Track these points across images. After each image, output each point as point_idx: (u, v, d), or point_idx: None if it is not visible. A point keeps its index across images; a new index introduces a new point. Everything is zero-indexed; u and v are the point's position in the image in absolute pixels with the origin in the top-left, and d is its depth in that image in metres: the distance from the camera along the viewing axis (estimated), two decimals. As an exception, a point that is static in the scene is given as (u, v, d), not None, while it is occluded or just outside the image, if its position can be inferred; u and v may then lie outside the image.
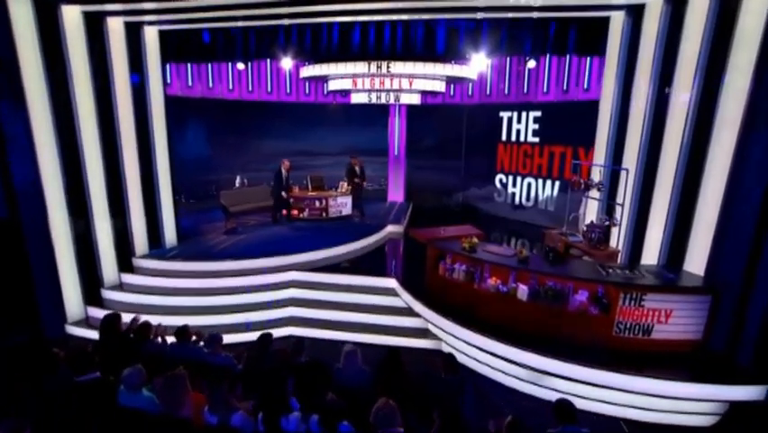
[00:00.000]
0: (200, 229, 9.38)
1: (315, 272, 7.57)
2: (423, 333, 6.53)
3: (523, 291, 5.37)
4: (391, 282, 7.26)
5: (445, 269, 6.15)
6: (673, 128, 5.37)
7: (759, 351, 4.56)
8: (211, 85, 10.88)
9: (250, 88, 11.42)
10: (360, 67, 8.70)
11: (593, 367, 4.82)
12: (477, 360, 5.68)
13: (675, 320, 4.91)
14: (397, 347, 4.00)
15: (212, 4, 6.46)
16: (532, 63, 8.40)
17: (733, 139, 4.67)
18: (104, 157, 6.74)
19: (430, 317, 6.32)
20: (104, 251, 6.92)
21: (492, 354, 5.48)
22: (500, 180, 11.59)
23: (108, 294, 6.93)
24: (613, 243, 6.28)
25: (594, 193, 6.57)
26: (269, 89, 11.61)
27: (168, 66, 9.01)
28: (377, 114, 12.54)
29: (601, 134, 6.70)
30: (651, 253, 5.80)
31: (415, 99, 9.73)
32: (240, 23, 7.62)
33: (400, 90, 9.19)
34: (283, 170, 9.54)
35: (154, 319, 6.23)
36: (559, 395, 5.00)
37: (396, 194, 13.13)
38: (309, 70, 9.26)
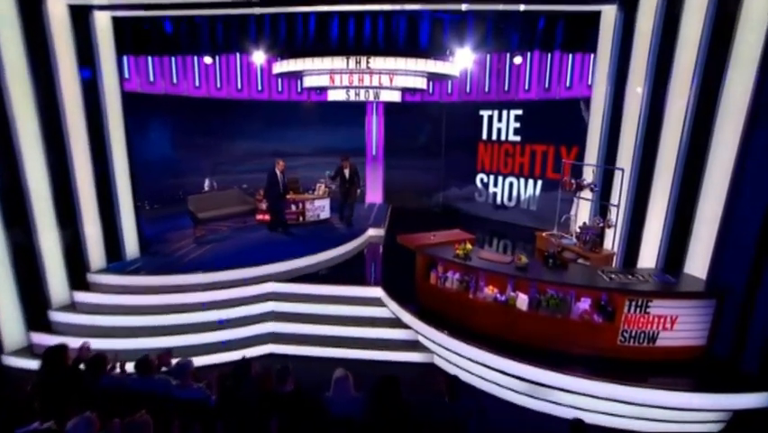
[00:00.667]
0: (166, 238, 8.53)
1: (294, 283, 6.96)
2: (413, 345, 6.05)
3: (522, 301, 4.99)
4: (377, 291, 6.75)
5: (437, 277, 5.70)
6: (671, 125, 5.12)
7: (765, 357, 4.37)
8: (175, 81, 9.97)
9: (218, 85, 10.56)
10: (338, 62, 8.12)
11: (598, 380, 4.52)
12: (472, 373, 5.28)
13: (680, 326, 4.66)
14: (395, 377, 3.49)
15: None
16: (518, 59, 8.07)
17: (737, 136, 4.45)
18: (48, 159, 5.83)
19: (421, 329, 5.87)
20: (51, 266, 6.00)
21: (489, 367, 5.10)
22: (481, 180, 11.29)
23: (57, 316, 6.02)
24: (607, 245, 6.02)
25: (586, 194, 6.30)
26: (239, 86, 10.79)
27: (125, 59, 8.11)
28: (353, 112, 11.96)
29: (593, 133, 6.44)
30: (648, 256, 5.56)
31: (395, 97, 9.24)
32: (205, 11, 6.86)
33: (380, 87, 8.68)
34: (278, 171, 8.63)
35: (114, 343, 5.57)
36: (561, 409, 4.76)
37: (374, 195, 12.62)
38: (283, 66, 8.59)
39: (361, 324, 6.34)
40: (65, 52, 6.00)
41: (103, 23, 6.49)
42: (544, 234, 6.77)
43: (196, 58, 9.90)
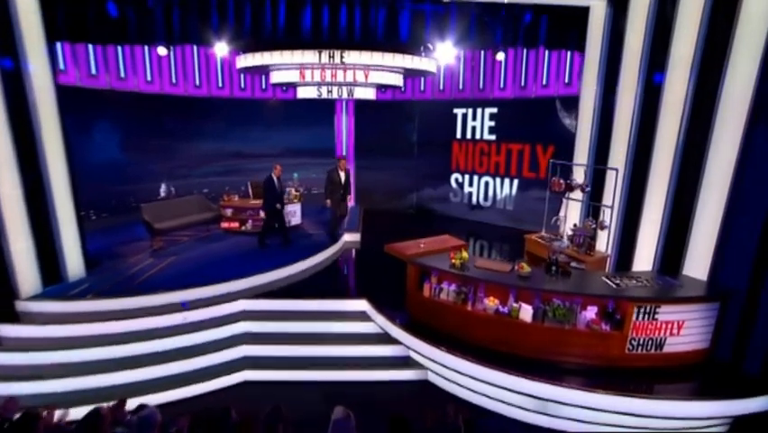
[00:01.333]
0: (117, 252, 7.39)
1: (268, 299, 6.21)
2: (404, 362, 5.52)
3: (526, 311, 4.60)
4: (361, 304, 6.14)
5: (431, 289, 5.20)
6: (668, 124, 4.92)
7: (768, 358, 4.26)
8: (123, 74, 8.78)
9: (174, 80, 9.45)
10: (309, 56, 7.40)
11: (608, 393, 4.21)
12: (472, 389, 4.85)
13: (686, 331, 4.46)
14: (402, 417, 2.95)
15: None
16: (500, 56, 7.74)
17: (738, 133, 4.29)
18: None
19: (413, 344, 5.35)
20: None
21: (494, 384, 4.67)
22: (456, 180, 10.98)
23: (-25, 357, 4.91)
24: (600, 247, 5.79)
25: (576, 195, 6.05)
26: (197, 82, 9.73)
27: (59, 47, 6.95)
28: (322, 110, 11.26)
29: (582, 132, 6.18)
30: (644, 258, 5.36)
31: (370, 94, 8.65)
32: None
33: (355, 84, 8.05)
34: (275, 177, 7.59)
35: (51, 386, 4.61)
36: (571, 424, 4.44)
37: (345, 197, 11.96)
38: (248, 60, 7.74)
39: (345, 341, 5.72)
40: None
41: (26, 3, 5.39)
42: (533, 236, 6.46)
43: (147, 48, 8.75)
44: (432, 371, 5.30)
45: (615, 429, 4.32)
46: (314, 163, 11.57)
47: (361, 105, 11.20)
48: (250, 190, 9.20)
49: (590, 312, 4.50)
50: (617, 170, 5.34)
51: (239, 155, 10.63)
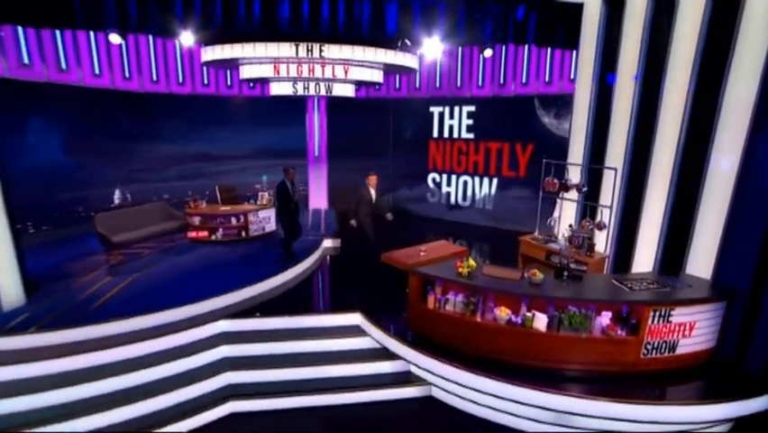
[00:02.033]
0: (66, 272, 6.30)
1: (249, 318, 5.54)
2: (404, 378, 5.09)
3: (540, 320, 4.32)
4: (354, 318, 5.64)
5: (436, 300, 4.80)
6: (668, 122, 4.82)
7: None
8: (65, 65, 7.59)
9: (127, 74, 8.33)
10: (285, 49, 6.74)
11: (626, 401, 4.02)
12: (482, 404, 4.52)
13: (697, 332, 4.36)
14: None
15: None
16: (488, 52, 7.47)
17: (742, 134, 4.23)
18: None
19: (415, 359, 4.93)
20: None
21: (505, 398, 4.37)
22: (433, 180, 10.70)
23: None
24: (599, 248, 5.66)
25: (572, 195, 5.89)
26: (154, 77, 8.66)
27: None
28: (292, 109, 10.52)
29: (577, 132, 6.01)
30: (644, 258, 5.27)
31: (349, 91, 8.09)
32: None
33: (334, 80, 7.48)
34: (288, 182, 6.87)
35: None
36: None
37: (318, 200, 11.32)
38: (216, 52, 6.94)
39: (339, 360, 5.16)
40: None
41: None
42: (527, 237, 6.25)
43: (93, 35, 7.61)
44: (436, 386, 4.91)
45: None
46: (284, 165, 10.83)
47: (333, 104, 10.60)
48: (218, 195, 8.37)
49: (605, 318, 4.30)
50: (615, 169, 5.21)
51: (203, 157, 9.68)
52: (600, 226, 5.43)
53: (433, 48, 6.61)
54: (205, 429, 4.43)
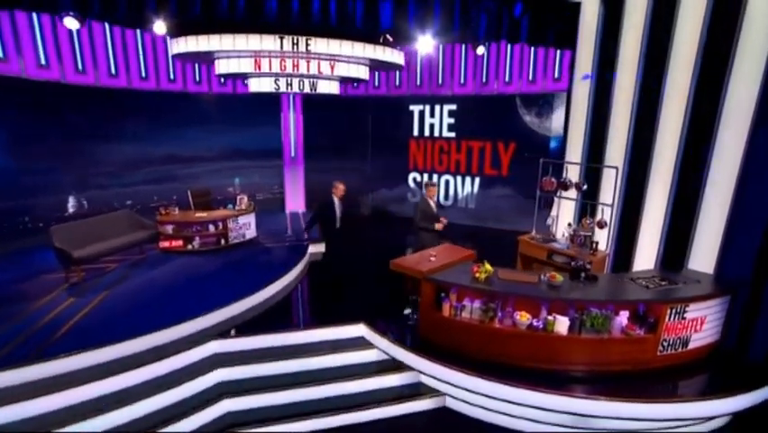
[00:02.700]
0: (16, 295, 5.37)
1: (243, 337, 5.00)
2: (415, 390, 4.80)
3: (562, 323, 4.19)
4: (359, 329, 5.26)
5: (451, 308, 4.54)
6: (669, 121, 4.86)
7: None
8: (1, 54, 6.52)
9: (80, 66, 7.31)
10: (268, 42, 6.19)
11: (649, 401, 3.99)
12: (501, 412, 4.34)
13: (707, 326, 4.43)
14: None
15: None
16: (481, 50, 7.30)
17: (743, 133, 4.33)
18: None
19: (428, 369, 4.65)
20: None
21: (526, 404, 4.21)
22: (414, 180, 10.47)
23: None
24: (600, 246, 5.66)
25: (570, 194, 5.86)
26: (113, 70, 7.68)
27: None
28: (266, 107, 9.88)
29: (575, 131, 5.97)
30: (644, 255, 5.32)
31: (334, 88, 7.64)
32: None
33: (319, 76, 7.01)
34: (336, 199, 5.97)
35: None
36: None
37: (295, 202, 10.76)
38: (190, 44, 6.23)
39: (346, 376, 4.76)
40: None
41: None
42: (525, 237, 6.16)
43: (36, 18, 6.55)
44: (451, 396, 4.67)
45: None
46: (260, 166, 10.19)
47: (310, 102, 10.07)
48: (191, 200, 7.62)
49: (623, 317, 4.26)
50: (616, 168, 5.21)
51: (170, 159, 8.81)
52: (601, 225, 5.42)
53: (425, 44, 6.33)
54: (205, 469, 3.90)
